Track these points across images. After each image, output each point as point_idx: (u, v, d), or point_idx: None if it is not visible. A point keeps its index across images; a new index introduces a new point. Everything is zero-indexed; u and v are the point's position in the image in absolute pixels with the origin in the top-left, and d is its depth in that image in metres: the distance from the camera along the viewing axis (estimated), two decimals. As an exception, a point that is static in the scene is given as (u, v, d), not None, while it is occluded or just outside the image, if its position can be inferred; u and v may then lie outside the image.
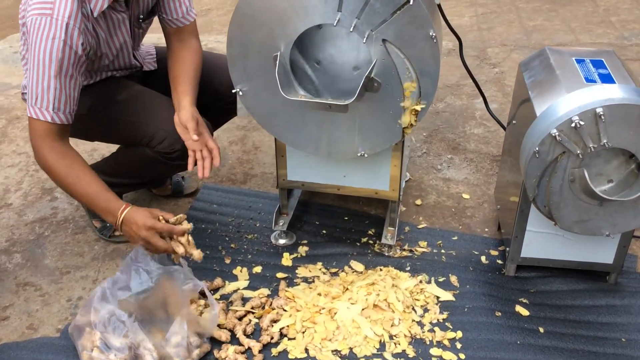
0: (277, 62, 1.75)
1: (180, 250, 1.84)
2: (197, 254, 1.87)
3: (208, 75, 2.15)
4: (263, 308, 1.96)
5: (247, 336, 1.86)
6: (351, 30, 1.68)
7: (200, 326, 1.79)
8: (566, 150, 1.69)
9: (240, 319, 1.92)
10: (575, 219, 1.81)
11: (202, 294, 1.93)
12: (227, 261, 2.15)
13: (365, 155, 1.91)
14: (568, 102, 1.69)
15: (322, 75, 1.84)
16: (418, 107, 1.80)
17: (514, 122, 2.08)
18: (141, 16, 2.07)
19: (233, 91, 1.88)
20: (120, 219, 1.83)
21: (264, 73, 1.81)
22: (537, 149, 1.70)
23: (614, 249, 1.98)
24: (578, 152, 1.67)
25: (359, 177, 2.11)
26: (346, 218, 2.37)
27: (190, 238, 1.87)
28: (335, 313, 1.90)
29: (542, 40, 3.90)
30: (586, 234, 1.84)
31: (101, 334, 1.70)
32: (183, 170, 2.29)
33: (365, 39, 1.69)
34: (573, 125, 1.64)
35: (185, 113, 1.96)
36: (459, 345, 1.84)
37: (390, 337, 1.86)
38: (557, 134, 1.66)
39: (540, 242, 2.00)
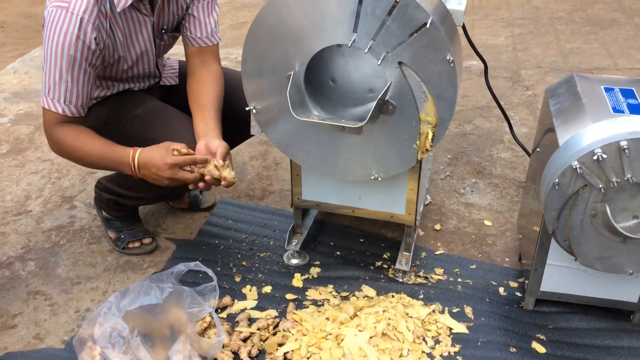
0: (291, 81, 1.72)
1: (209, 175, 1.84)
2: (228, 174, 1.86)
3: (228, 93, 2.14)
4: (270, 330, 1.92)
5: (251, 359, 1.82)
6: (366, 52, 1.64)
7: (203, 349, 1.76)
8: (588, 184, 1.61)
9: (245, 340, 1.88)
10: (597, 255, 1.72)
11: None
12: (237, 279, 2.12)
13: (379, 179, 1.86)
14: (592, 133, 1.61)
15: (338, 95, 1.81)
16: (433, 132, 1.74)
17: (538, 149, 2.00)
18: (164, 27, 2.07)
19: (247, 109, 1.86)
20: (136, 164, 1.84)
21: (277, 92, 1.78)
22: (557, 180, 1.62)
23: (639, 287, 1.88)
24: (600, 186, 1.59)
25: (375, 199, 2.06)
26: (362, 240, 2.31)
27: (218, 161, 1.86)
28: (342, 339, 1.85)
29: (578, 63, 3.79)
30: (608, 271, 1.75)
31: (102, 349, 1.68)
32: (195, 189, 2.28)
33: (380, 61, 1.65)
34: (595, 158, 1.56)
35: (216, 141, 1.93)
36: (469, 381, 1.77)
37: (398, 368, 1.80)
38: (578, 166, 1.58)
39: (561, 276, 1.91)
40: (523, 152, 2.75)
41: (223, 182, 1.88)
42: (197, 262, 1.88)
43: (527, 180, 2.18)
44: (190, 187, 1.89)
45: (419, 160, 1.81)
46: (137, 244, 2.29)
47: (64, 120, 1.87)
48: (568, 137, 1.67)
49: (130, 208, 2.30)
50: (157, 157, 1.82)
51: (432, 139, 1.75)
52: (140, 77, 2.14)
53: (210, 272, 1.88)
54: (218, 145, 1.92)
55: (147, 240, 2.30)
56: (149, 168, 1.83)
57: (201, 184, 1.86)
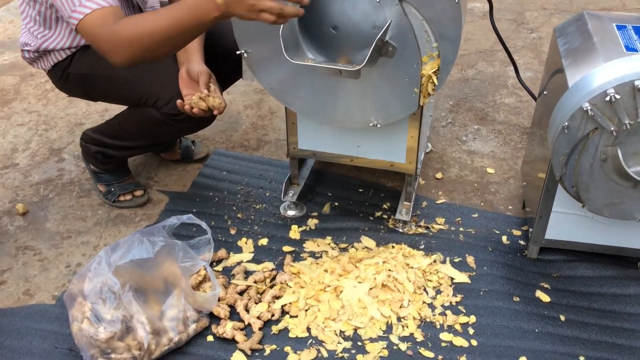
0: (284, 21, 1.61)
1: (197, 107, 1.80)
2: (214, 102, 1.82)
3: (217, 30, 2.01)
4: (267, 282, 1.86)
5: (248, 311, 1.77)
6: (364, -13, 1.52)
7: (198, 303, 1.71)
8: (599, 127, 1.52)
9: (241, 293, 1.83)
10: (606, 201, 1.65)
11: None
12: (233, 232, 2.06)
13: (378, 126, 1.77)
14: (604, 73, 1.51)
15: (333, 36, 1.70)
16: (436, 75, 1.65)
17: (545, 92, 1.91)
18: None
19: (237, 52, 1.75)
20: None
21: (270, 34, 1.67)
22: (566, 124, 1.54)
23: (647, 234, 1.82)
24: (612, 128, 1.51)
25: (374, 148, 1.97)
26: (361, 190, 2.24)
27: (202, 90, 1.83)
28: (341, 291, 1.80)
29: (585, 4, 3.65)
30: (617, 218, 1.68)
31: (92, 305, 1.62)
32: (189, 133, 2.19)
33: (379, -3, 1.54)
34: (608, 99, 1.47)
35: (196, 66, 1.85)
36: (471, 331, 1.72)
37: (398, 319, 1.75)
38: (589, 108, 1.49)
39: (567, 223, 1.85)
40: (527, 97, 2.66)
41: (215, 112, 1.81)
42: (190, 214, 1.81)
43: (532, 126, 2.10)
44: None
45: (421, 105, 1.71)
46: (128, 197, 2.21)
47: (108, 17, 1.65)
48: (578, 78, 1.57)
49: (119, 160, 2.22)
50: None
51: (435, 83, 1.65)
52: None
53: (204, 224, 1.81)
54: (199, 72, 1.83)
55: (138, 193, 2.23)
56: None
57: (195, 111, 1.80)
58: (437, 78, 1.64)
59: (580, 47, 1.70)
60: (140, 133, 2.06)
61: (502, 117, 2.63)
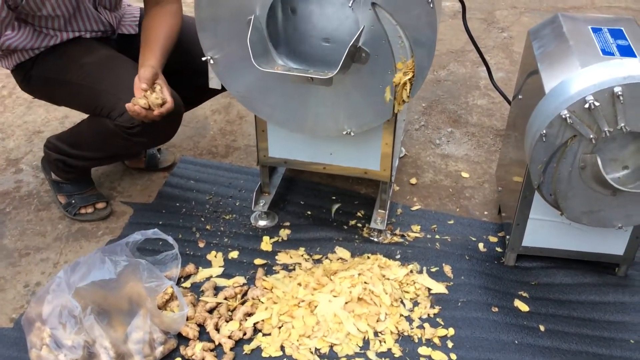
0: (251, 27, 1.53)
1: (137, 105, 1.70)
2: (153, 99, 1.71)
3: (190, 44, 1.91)
4: (238, 298, 1.79)
5: (218, 330, 1.69)
6: (334, -9, 1.46)
7: (165, 324, 1.63)
8: (577, 134, 1.48)
9: (211, 311, 1.75)
10: (585, 209, 1.62)
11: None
12: (201, 245, 1.97)
13: (352, 134, 1.71)
14: (582, 78, 1.47)
15: (304, 43, 1.63)
16: (411, 82, 1.59)
17: (519, 96, 1.87)
18: None
19: (203, 59, 1.67)
20: None
21: (237, 39, 1.59)
22: (544, 131, 1.49)
23: (625, 240, 1.79)
24: (591, 136, 1.47)
25: (347, 155, 1.91)
26: (334, 198, 2.18)
27: (141, 85, 1.72)
28: (315, 306, 1.73)
29: (554, 2, 3.64)
30: (596, 225, 1.65)
31: (51, 330, 1.53)
32: (144, 148, 2.11)
33: (352, 2, 1.47)
34: (587, 106, 1.43)
35: (145, 70, 1.75)
36: (450, 344, 1.67)
37: (375, 333, 1.69)
38: (568, 115, 1.45)
39: (544, 230, 1.81)
40: (500, 98, 2.62)
41: (156, 112, 1.70)
42: (156, 229, 1.73)
43: (507, 129, 2.06)
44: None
45: (395, 113, 1.65)
46: (90, 210, 2.11)
47: None
48: (555, 84, 1.53)
49: (81, 169, 2.11)
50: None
51: (410, 89, 1.59)
52: (87, 30, 1.92)
53: (170, 239, 1.73)
54: (143, 70, 1.75)
55: (100, 205, 2.13)
56: None
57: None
58: (411, 85, 1.58)
59: (556, 50, 1.66)
60: (97, 145, 1.96)
61: (475, 119, 2.59)
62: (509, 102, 2.24)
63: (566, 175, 1.55)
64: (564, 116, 1.45)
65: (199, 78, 1.83)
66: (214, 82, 1.75)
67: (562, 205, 1.61)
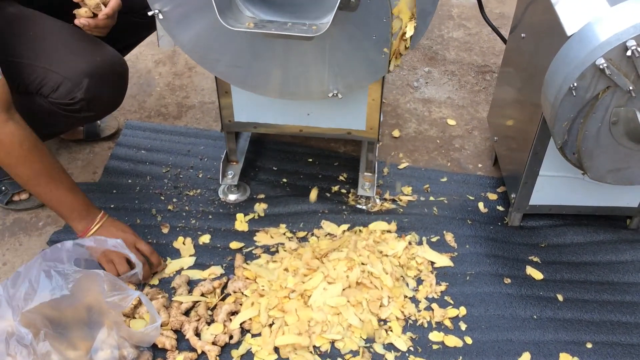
0: (212, -29, 1.20)
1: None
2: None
3: None
4: (217, 293, 1.54)
5: (199, 336, 1.45)
6: None
7: (136, 338, 1.37)
8: (612, 85, 1.26)
9: (187, 312, 1.50)
10: (611, 167, 1.42)
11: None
12: (165, 230, 1.69)
13: (339, 96, 1.43)
14: (615, 19, 1.24)
15: (277, -13, 1.31)
16: (410, 29, 1.31)
17: (522, 34, 1.62)
18: None
19: (150, 13, 1.33)
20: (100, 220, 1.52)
21: (193, -13, 1.26)
22: (574, 84, 1.26)
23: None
24: (630, 87, 1.25)
25: (327, 115, 1.64)
26: (310, 160, 1.91)
27: None
28: (309, 296, 1.51)
29: None
30: (621, 184, 1.47)
31: (-2, 366, 1.25)
32: (95, 120, 1.77)
33: None
34: (629, 53, 1.19)
35: None
36: (463, 326, 1.49)
37: (380, 321, 1.49)
38: (605, 65, 1.21)
39: (554, 187, 1.63)
40: (476, 28, 2.38)
41: (100, 15, 1.45)
42: (119, 240, 1.45)
43: (503, 68, 1.81)
44: None
45: (390, 69, 1.38)
46: (24, 196, 1.78)
47: None
48: (581, 25, 1.29)
49: (9, 149, 1.76)
50: (128, 227, 1.56)
51: (409, 40, 1.32)
52: None
53: (132, 256, 1.45)
54: None
55: (38, 189, 1.80)
56: (113, 230, 1.52)
57: None
58: (412, 35, 1.31)
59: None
60: (32, 124, 1.60)
61: (453, 56, 2.34)
62: (504, 40, 2.00)
63: (594, 132, 1.34)
64: (600, 66, 1.21)
65: (132, 17, 1.61)
66: (164, 42, 1.42)
67: (586, 165, 1.41)
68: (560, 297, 1.55)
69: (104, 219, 1.51)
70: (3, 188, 1.77)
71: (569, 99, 1.29)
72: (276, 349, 1.43)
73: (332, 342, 1.45)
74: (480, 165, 1.91)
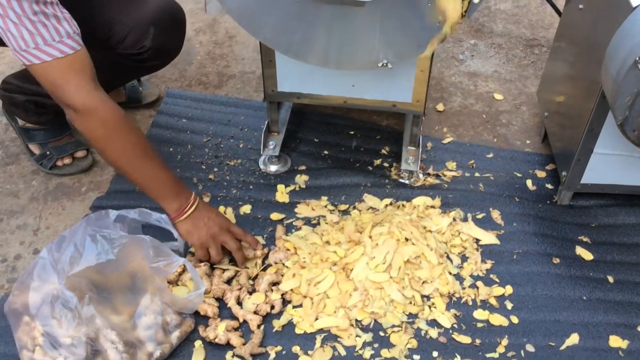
0: None
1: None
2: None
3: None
4: (258, 263, 1.53)
5: (241, 305, 1.44)
6: None
7: (179, 305, 1.37)
8: (681, 57, 1.19)
9: (229, 281, 1.49)
10: (673, 145, 1.36)
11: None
12: (206, 199, 1.68)
13: (389, 66, 1.39)
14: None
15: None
16: (467, -4, 1.26)
17: (580, 5, 1.55)
18: None
19: (200, -23, 1.31)
20: (195, 204, 1.44)
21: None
22: (639, 57, 1.20)
23: (699, 171, 1.56)
24: (702, 60, 1.18)
25: (373, 86, 1.60)
26: (352, 132, 1.88)
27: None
28: (351, 270, 1.48)
29: None
30: (683, 162, 1.40)
31: (44, 328, 1.25)
32: (157, 70, 1.79)
33: None
34: (703, 22, 1.13)
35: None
36: (509, 305, 1.45)
37: (423, 298, 1.46)
38: (676, 35, 1.15)
39: (608, 165, 1.57)
40: (526, 1, 2.29)
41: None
42: (163, 215, 1.43)
43: (557, 39, 1.74)
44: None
45: (445, 37, 1.33)
46: (68, 160, 1.79)
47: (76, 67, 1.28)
48: (649, -7, 1.22)
49: (56, 110, 1.76)
50: (219, 215, 1.49)
51: (468, 4, 1.27)
52: None
53: (175, 232, 1.44)
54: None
55: (81, 154, 1.80)
56: (207, 213, 1.45)
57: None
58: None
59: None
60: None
61: (501, 28, 2.27)
62: (559, 12, 1.92)
63: (658, 107, 1.28)
64: (670, 37, 1.15)
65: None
66: (212, 7, 1.39)
67: (646, 142, 1.35)
68: (610, 279, 1.50)
69: (197, 201, 1.44)
70: (47, 153, 1.77)
71: (634, 72, 1.22)
72: (317, 320, 1.42)
73: (374, 318, 1.42)
74: (528, 142, 1.86)
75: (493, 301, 1.46)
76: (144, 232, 1.42)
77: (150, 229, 1.46)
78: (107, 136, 1.33)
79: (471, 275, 1.51)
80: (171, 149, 1.83)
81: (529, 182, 1.72)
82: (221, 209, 1.65)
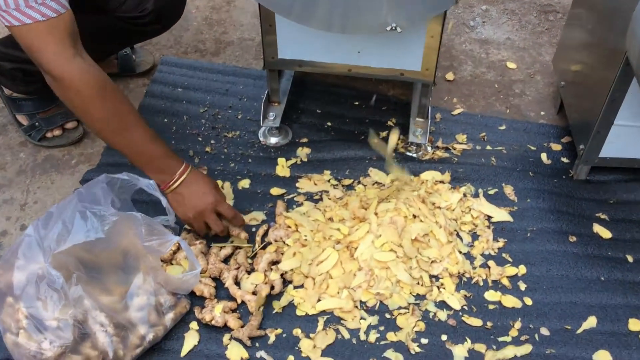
0: None
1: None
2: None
3: None
4: (257, 241, 1.45)
5: (239, 285, 1.37)
6: None
7: (173, 285, 1.29)
8: None
9: (226, 259, 1.41)
10: (703, 116, 1.26)
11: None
12: (203, 172, 1.59)
13: (399, 30, 1.29)
14: None
15: None
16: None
17: (602, -34, 1.44)
18: None
19: None
20: (184, 175, 1.35)
21: None
22: (674, 18, 1.10)
23: None
24: None
25: (379, 53, 1.50)
26: (356, 103, 1.78)
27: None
28: (355, 248, 1.40)
29: None
30: None
31: (28, 310, 1.18)
32: (159, 34, 1.72)
33: None
34: None
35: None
36: (522, 286, 1.38)
37: (431, 278, 1.38)
38: None
39: (629, 138, 1.48)
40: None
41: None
42: (151, 181, 1.32)
43: (574, 5, 1.63)
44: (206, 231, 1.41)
45: (459, -3, 1.23)
46: (57, 132, 1.70)
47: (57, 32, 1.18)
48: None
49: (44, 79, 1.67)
50: (210, 186, 1.37)
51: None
52: None
53: (164, 201, 1.34)
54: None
55: (71, 125, 1.71)
56: (197, 188, 1.35)
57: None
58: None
59: None
60: (94, 44, 1.50)
61: (513, -7, 2.15)
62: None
63: (689, 75, 1.18)
64: None
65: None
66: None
67: (674, 113, 1.26)
68: (630, 258, 1.42)
69: (187, 174, 1.35)
70: (36, 124, 1.69)
71: (665, 36, 1.12)
72: (319, 302, 1.34)
73: (379, 299, 1.35)
74: (542, 113, 1.76)
75: (505, 282, 1.38)
76: (139, 208, 1.34)
77: (144, 205, 1.38)
78: (85, 106, 1.24)
79: (482, 254, 1.43)
80: (166, 120, 1.74)
81: (543, 156, 1.63)
82: (218, 183, 1.56)
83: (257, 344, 1.29)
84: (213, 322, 1.30)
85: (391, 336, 1.29)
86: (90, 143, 1.70)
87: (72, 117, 1.71)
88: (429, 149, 1.65)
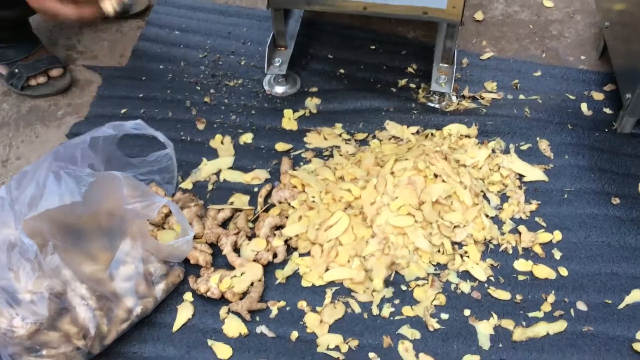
0: None
1: None
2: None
3: None
4: (260, 202, 1.30)
5: (238, 252, 1.23)
6: None
7: (164, 253, 1.16)
8: None
9: (224, 223, 1.27)
10: None
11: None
12: (201, 126, 1.44)
13: (421, -44, 1.09)
14: None
15: None
16: None
17: None
18: None
19: None
20: None
21: None
22: None
23: None
24: None
25: (399, -13, 1.31)
26: (373, 47, 1.60)
27: None
28: (368, 212, 1.25)
29: None
30: None
31: (-1, 283, 1.05)
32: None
33: None
34: None
35: None
36: (557, 255, 1.22)
37: (454, 245, 1.23)
38: None
39: (684, 86, 1.28)
40: None
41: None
42: (138, 121, 1.17)
43: None
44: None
45: None
46: (42, 79, 1.55)
47: None
48: None
49: (18, 21, 1.51)
50: None
51: None
52: None
53: (160, 136, 1.19)
54: None
55: (56, 72, 1.56)
56: None
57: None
58: None
59: None
60: None
61: None
62: None
63: None
64: None
65: None
66: None
67: None
68: (681, 224, 1.25)
69: None
70: (17, 71, 1.54)
71: None
72: (327, 271, 1.20)
73: (395, 269, 1.20)
74: (583, 58, 1.57)
75: (538, 249, 1.23)
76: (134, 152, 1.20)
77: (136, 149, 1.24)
78: None
79: (512, 219, 1.27)
80: (161, 67, 1.58)
81: (583, 106, 1.45)
82: (218, 137, 1.41)
83: (257, 318, 1.16)
84: (209, 294, 1.17)
85: (407, 311, 1.15)
86: (78, 93, 1.55)
87: (57, 63, 1.56)
88: (454, 98, 1.47)
